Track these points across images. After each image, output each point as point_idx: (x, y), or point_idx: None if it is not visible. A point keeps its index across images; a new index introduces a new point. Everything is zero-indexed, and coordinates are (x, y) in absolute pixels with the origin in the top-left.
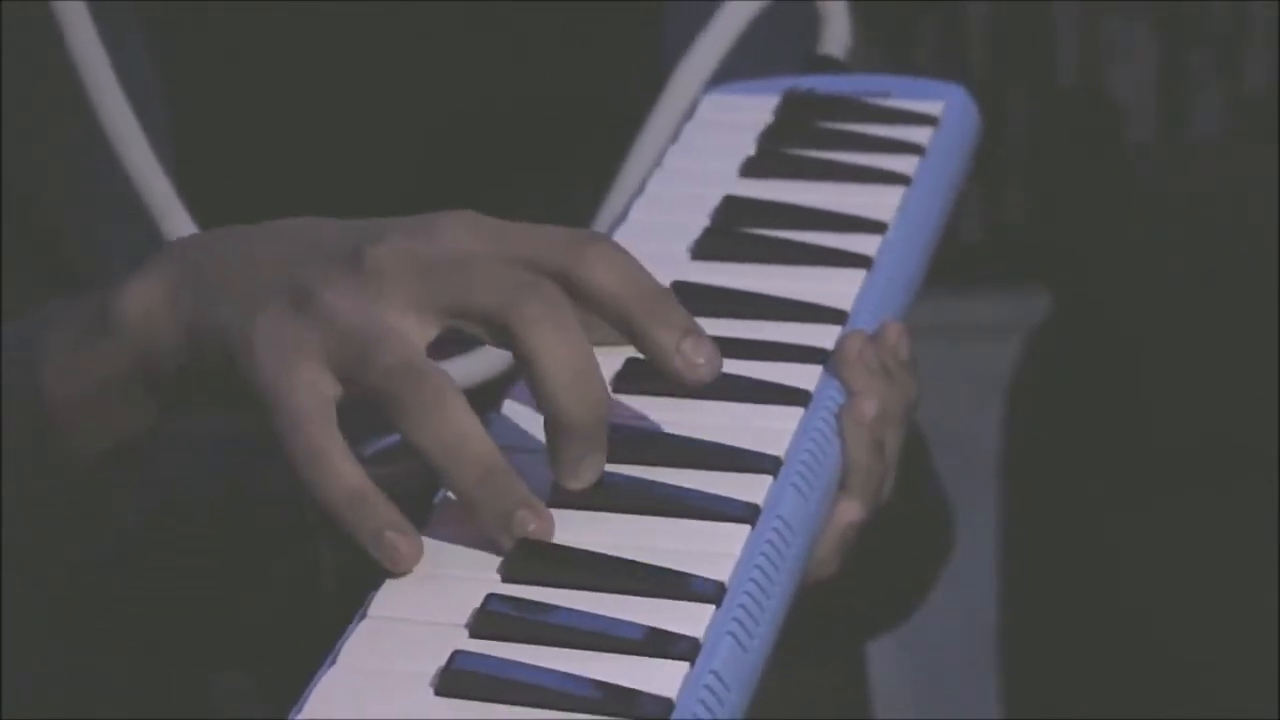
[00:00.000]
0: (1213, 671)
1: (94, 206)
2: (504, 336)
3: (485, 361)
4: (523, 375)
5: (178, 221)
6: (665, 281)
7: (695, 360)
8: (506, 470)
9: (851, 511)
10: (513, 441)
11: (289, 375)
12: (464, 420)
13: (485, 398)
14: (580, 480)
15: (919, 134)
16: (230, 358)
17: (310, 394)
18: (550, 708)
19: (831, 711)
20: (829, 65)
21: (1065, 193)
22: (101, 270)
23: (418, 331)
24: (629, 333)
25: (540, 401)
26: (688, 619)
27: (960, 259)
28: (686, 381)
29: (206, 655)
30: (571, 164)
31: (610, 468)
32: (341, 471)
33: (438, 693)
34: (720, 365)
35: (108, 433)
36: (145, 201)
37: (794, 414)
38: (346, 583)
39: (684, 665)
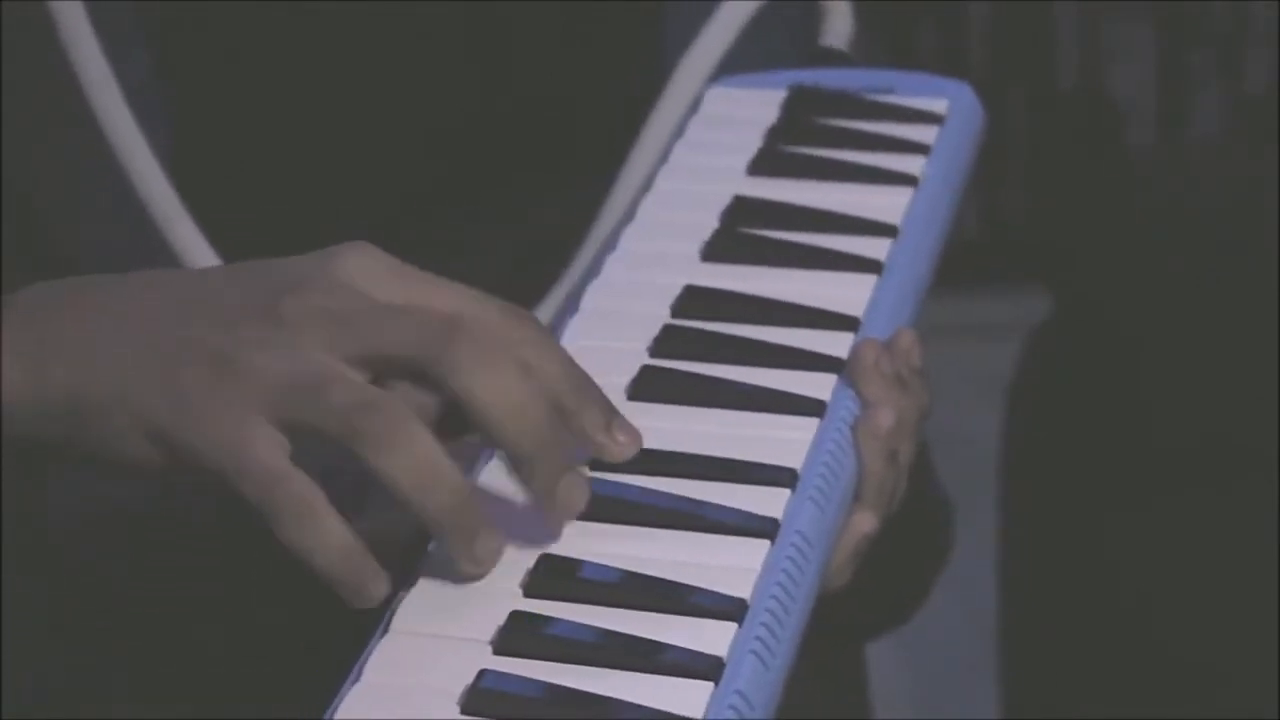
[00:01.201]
0: (1213, 672)
1: (94, 207)
2: (431, 381)
3: None
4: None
5: (183, 230)
6: (677, 284)
7: (620, 440)
8: (472, 497)
9: (866, 522)
10: None
11: (243, 437)
12: (431, 448)
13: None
14: (570, 505)
15: (925, 133)
16: (153, 431)
17: (273, 450)
18: None
19: (831, 711)
20: (832, 58)
21: (1065, 193)
22: (102, 271)
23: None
24: (560, 407)
25: (491, 438)
26: (710, 637)
27: (960, 259)
28: (616, 459)
29: (210, 655)
30: (572, 164)
31: (629, 480)
32: (330, 528)
33: (464, 710)
34: (640, 442)
35: None
36: (149, 210)
37: (809, 425)
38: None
39: (708, 685)
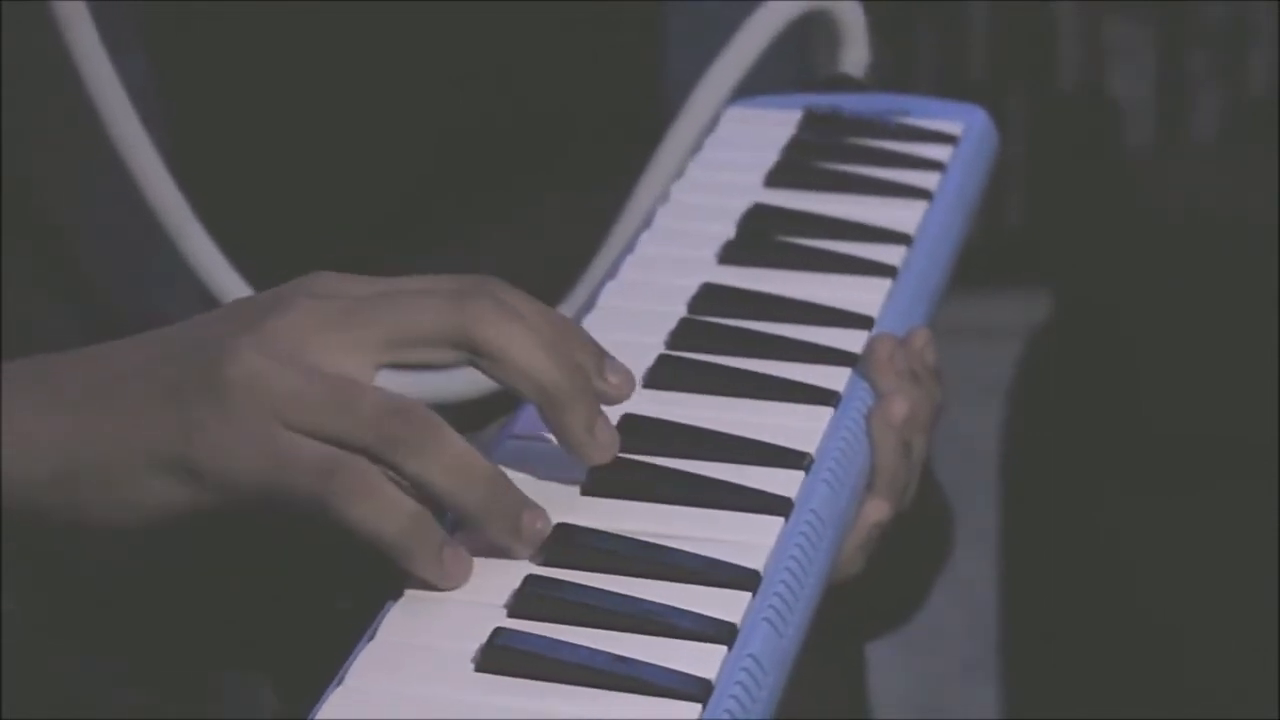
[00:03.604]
0: (1213, 671)
1: (99, 210)
2: (458, 350)
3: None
4: (492, 374)
5: (195, 239)
6: (693, 283)
7: (613, 382)
8: (506, 480)
9: (879, 511)
10: (540, 430)
11: (277, 443)
12: (462, 445)
13: (461, 416)
14: (603, 447)
15: (940, 151)
16: (174, 464)
17: (313, 444)
18: (591, 686)
19: (831, 711)
20: (848, 84)
21: (1065, 194)
22: (104, 270)
23: (362, 375)
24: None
25: (526, 389)
26: (724, 605)
27: (960, 260)
28: (611, 403)
29: (218, 655)
30: (572, 166)
31: (646, 459)
32: (396, 498)
33: (478, 669)
34: (632, 385)
35: None
36: (162, 222)
37: (824, 413)
38: (350, 579)
39: (721, 649)
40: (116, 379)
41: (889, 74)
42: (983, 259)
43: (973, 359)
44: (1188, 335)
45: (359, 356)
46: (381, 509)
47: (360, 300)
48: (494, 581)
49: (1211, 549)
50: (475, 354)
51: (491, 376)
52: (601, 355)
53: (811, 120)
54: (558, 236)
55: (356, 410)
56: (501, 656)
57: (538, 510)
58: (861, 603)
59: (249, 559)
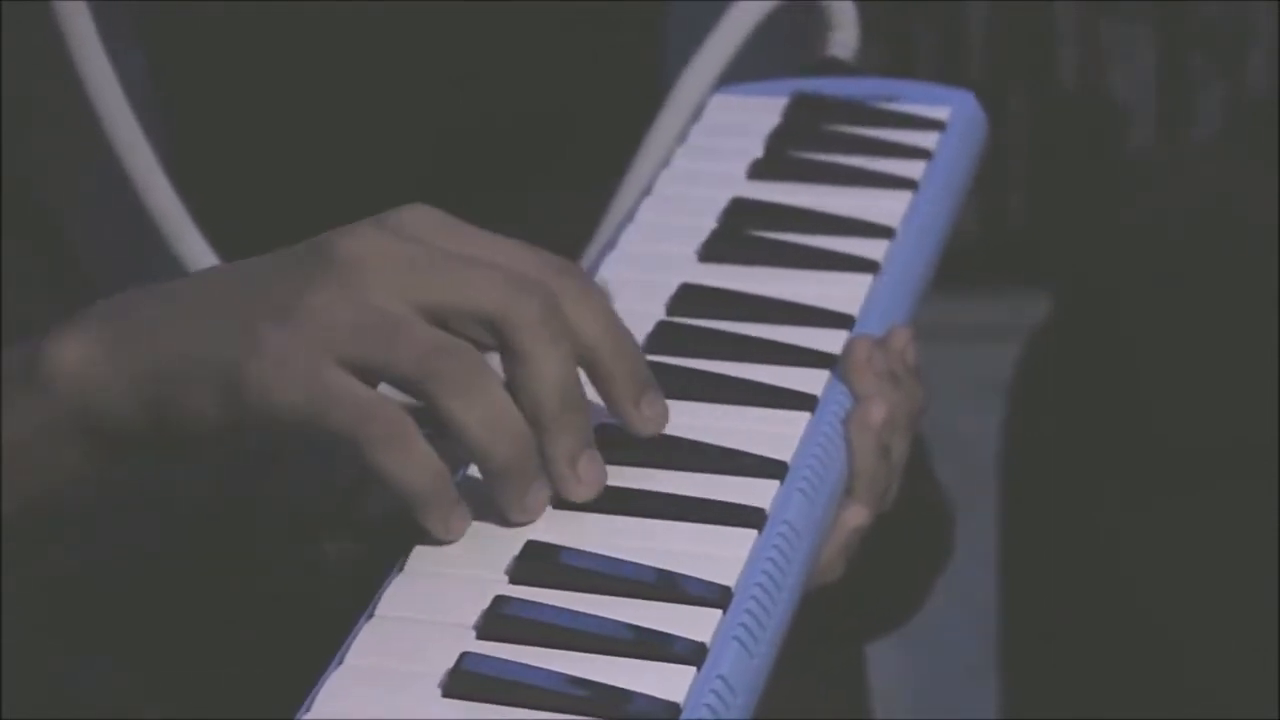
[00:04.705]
0: (1214, 673)
1: (95, 206)
2: (494, 335)
3: None
4: (506, 369)
5: (192, 243)
6: (673, 283)
7: (648, 415)
8: (534, 444)
9: (857, 516)
10: None
11: (323, 379)
12: (502, 395)
13: None
14: (582, 484)
15: (926, 139)
16: (229, 385)
17: (356, 382)
18: (558, 710)
19: (831, 712)
20: (836, 68)
21: (1065, 194)
22: (103, 269)
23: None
24: (594, 371)
25: (522, 401)
26: (694, 623)
27: (960, 260)
28: (639, 433)
29: (217, 655)
30: (572, 166)
31: (616, 470)
32: (423, 450)
33: (446, 694)
34: (666, 420)
35: (31, 485)
36: (158, 224)
37: (801, 419)
38: (348, 579)
39: (690, 670)
40: (205, 305)
41: (887, 74)
42: (983, 259)
43: (973, 359)
44: (1188, 335)
45: (404, 306)
46: (411, 460)
47: (430, 251)
48: (463, 601)
49: (1212, 550)
50: (503, 347)
51: (505, 373)
52: (645, 386)
53: (796, 108)
54: (558, 236)
55: (405, 341)
56: (469, 681)
57: (545, 483)
58: (859, 604)
59: (247, 559)
